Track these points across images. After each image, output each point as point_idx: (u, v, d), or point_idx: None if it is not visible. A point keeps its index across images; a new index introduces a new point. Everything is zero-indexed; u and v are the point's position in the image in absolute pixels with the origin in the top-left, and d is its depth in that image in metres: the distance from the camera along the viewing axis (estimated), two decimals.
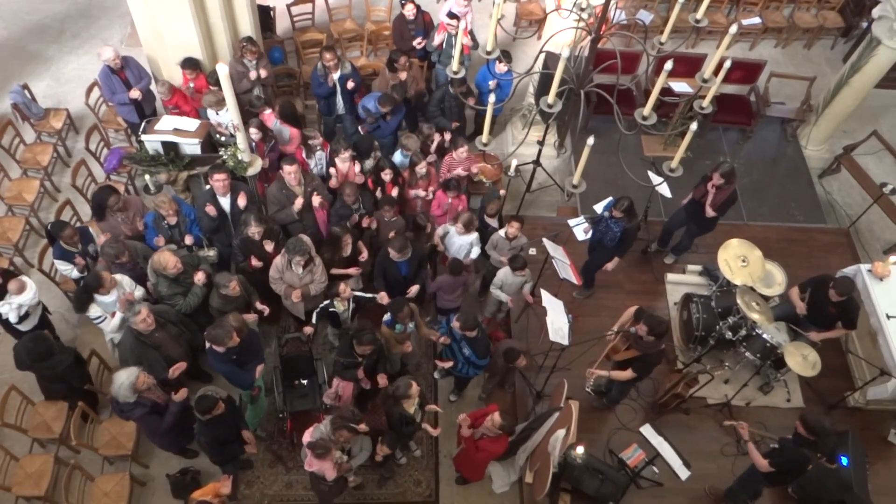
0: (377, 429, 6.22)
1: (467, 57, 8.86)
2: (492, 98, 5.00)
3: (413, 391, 5.79)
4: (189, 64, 7.83)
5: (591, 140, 4.93)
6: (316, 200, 7.04)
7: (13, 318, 6.35)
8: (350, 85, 8.13)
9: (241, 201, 6.94)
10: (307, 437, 5.69)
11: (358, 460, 6.05)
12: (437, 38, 8.65)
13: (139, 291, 6.51)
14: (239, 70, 7.90)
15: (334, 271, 6.95)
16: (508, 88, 8.02)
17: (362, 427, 5.74)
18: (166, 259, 6.23)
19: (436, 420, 6.95)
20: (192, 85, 7.94)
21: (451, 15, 8.40)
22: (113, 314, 6.36)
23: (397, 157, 7.63)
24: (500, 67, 7.95)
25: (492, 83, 8.05)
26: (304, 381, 6.90)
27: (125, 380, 5.48)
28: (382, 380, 6.41)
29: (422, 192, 7.53)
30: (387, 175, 7.29)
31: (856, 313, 6.79)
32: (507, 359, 6.30)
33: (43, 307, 6.79)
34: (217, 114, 7.64)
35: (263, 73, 8.02)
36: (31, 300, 6.41)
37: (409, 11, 8.67)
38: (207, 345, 5.93)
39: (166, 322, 6.16)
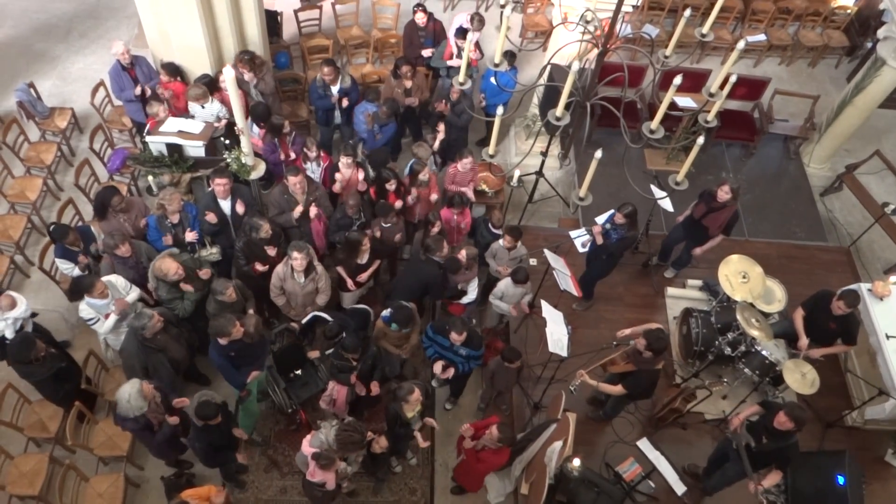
0: (374, 434, 6.19)
1: (474, 69, 8.89)
2: (500, 111, 5.01)
3: (413, 398, 5.78)
4: (169, 69, 7.87)
5: (598, 153, 4.94)
6: (312, 211, 7.04)
7: (10, 334, 6.26)
8: (344, 103, 8.20)
9: (240, 208, 6.98)
10: (306, 445, 5.66)
11: (353, 467, 6.03)
12: (448, 61, 8.77)
13: (134, 294, 6.48)
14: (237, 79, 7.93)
15: (338, 269, 6.99)
16: (512, 88, 8.01)
17: (369, 436, 5.73)
18: (168, 266, 6.23)
19: (432, 434, 6.95)
20: (170, 90, 7.93)
21: (461, 32, 8.44)
22: (107, 316, 6.33)
23: (409, 166, 7.65)
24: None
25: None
26: (299, 372, 6.93)
27: (131, 390, 5.45)
28: (375, 387, 6.43)
29: (414, 195, 7.55)
30: (391, 185, 7.30)
31: (856, 329, 6.80)
32: (506, 358, 6.30)
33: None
34: (203, 107, 7.67)
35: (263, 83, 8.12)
36: (24, 312, 6.35)
37: (420, 19, 8.72)
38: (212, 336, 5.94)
39: (167, 323, 6.17)
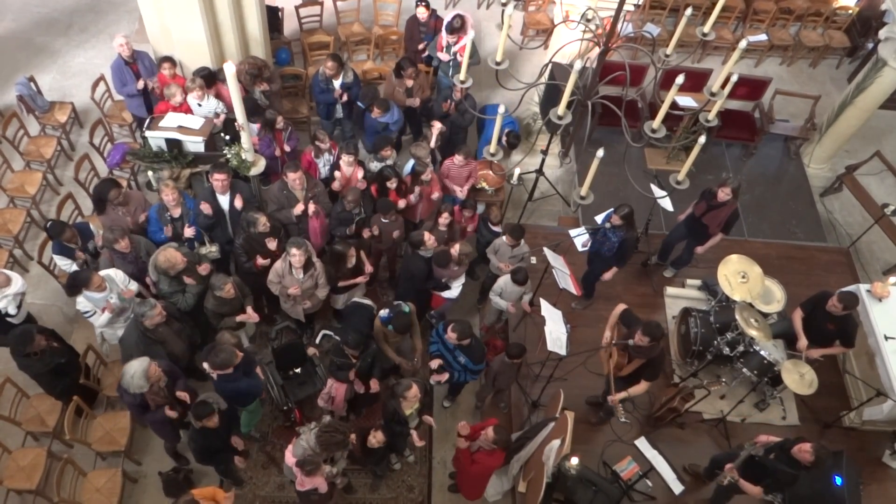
0: (368, 430, 6.17)
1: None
2: (501, 108, 5.02)
3: (411, 394, 5.77)
4: (168, 58, 7.86)
5: (600, 152, 4.93)
6: (310, 208, 7.03)
7: (13, 310, 6.32)
8: (343, 97, 8.20)
9: (238, 203, 6.96)
10: (289, 455, 5.64)
11: (341, 464, 6.03)
12: (439, 54, 8.76)
13: (133, 287, 6.47)
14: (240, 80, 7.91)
15: (341, 284, 6.96)
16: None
17: (352, 438, 5.72)
18: (174, 257, 6.22)
19: (429, 432, 6.98)
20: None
21: (450, 28, 8.43)
22: (103, 309, 6.32)
23: (409, 166, 7.64)
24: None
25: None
26: (298, 370, 6.96)
27: (138, 367, 5.45)
28: (375, 385, 6.42)
29: (416, 195, 7.53)
30: (392, 184, 7.29)
31: (854, 331, 6.80)
32: (512, 355, 6.31)
33: None
34: (199, 105, 7.67)
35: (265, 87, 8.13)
36: (22, 286, 6.41)
37: (422, 14, 8.72)
38: (213, 374, 5.89)
39: (170, 317, 6.16)
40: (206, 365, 5.88)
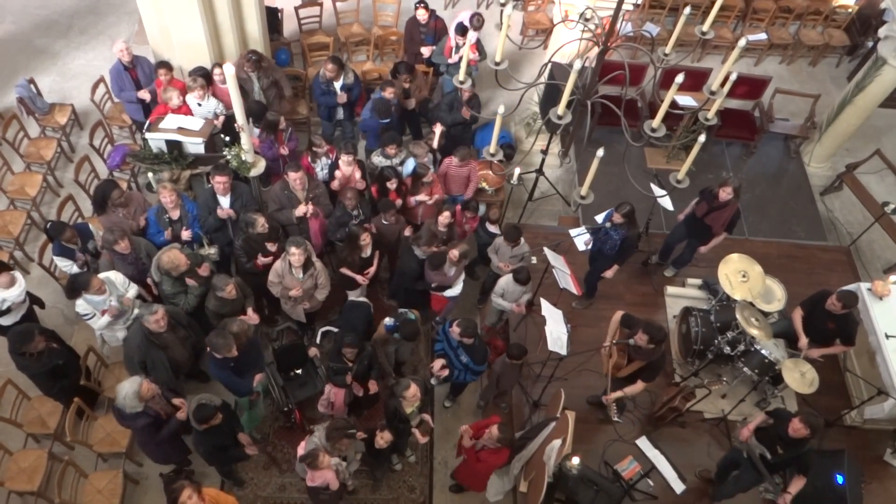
0: (373, 431, 6.19)
1: (474, 68, 8.88)
2: (500, 109, 5.01)
3: (409, 394, 5.77)
4: (165, 64, 7.87)
5: (600, 152, 4.93)
6: (309, 209, 7.02)
7: None
8: (343, 98, 8.20)
9: (222, 214, 6.97)
10: (301, 451, 5.66)
11: (354, 465, 6.03)
12: (448, 59, 8.75)
13: (132, 290, 6.47)
14: (240, 76, 7.91)
15: (343, 270, 6.97)
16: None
17: (360, 435, 5.72)
18: (178, 258, 6.22)
19: (430, 434, 6.97)
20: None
21: (461, 28, 8.43)
22: (102, 312, 6.32)
23: (409, 165, 7.63)
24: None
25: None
26: (299, 371, 6.96)
27: (129, 389, 5.41)
28: (373, 386, 6.43)
29: (424, 198, 7.53)
30: (392, 184, 7.29)
31: (854, 329, 6.79)
32: (513, 355, 6.30)
33: (32, 302, 6.77)
34: (200, 105, 7.67)
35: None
36: (16, 296, 6.36)
37: (421, 16, 8.72)
38: (208, 349, 5.91)
39: (176, 324, 6.13)
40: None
